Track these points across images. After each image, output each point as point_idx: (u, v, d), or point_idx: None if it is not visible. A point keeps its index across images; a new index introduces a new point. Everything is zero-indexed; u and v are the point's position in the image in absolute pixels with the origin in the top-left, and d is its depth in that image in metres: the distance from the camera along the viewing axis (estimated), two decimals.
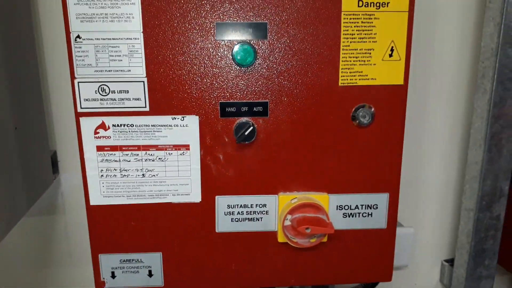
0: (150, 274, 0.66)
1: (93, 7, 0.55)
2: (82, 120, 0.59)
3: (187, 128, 0.61)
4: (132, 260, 0.65)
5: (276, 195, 0.64)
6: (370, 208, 0.66)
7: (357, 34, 0.59)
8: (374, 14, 0.58)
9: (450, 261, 1.02)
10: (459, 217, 0.92)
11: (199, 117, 0.60)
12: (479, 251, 0.91)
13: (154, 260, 0.66)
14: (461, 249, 0.93)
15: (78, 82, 0.58)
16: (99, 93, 0.58)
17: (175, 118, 0.60)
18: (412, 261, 1.01)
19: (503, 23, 0.77)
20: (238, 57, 0.58)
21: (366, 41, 0.59)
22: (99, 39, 0.56)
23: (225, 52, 0.58)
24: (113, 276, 0.66)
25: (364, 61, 0.60)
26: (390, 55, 0.60)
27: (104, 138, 0.60)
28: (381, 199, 0.66)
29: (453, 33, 0.87)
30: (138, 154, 0.61)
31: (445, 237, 1.02)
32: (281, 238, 0.65)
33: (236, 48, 0.58)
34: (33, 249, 0.89)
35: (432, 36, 0.86)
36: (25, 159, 0.68)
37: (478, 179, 0.86)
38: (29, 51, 0.72)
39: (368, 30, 0.59)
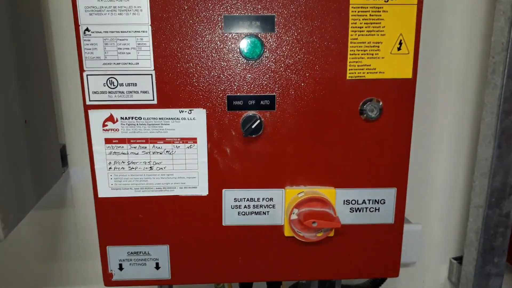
0: (157, 267, 0.67)
1: (101, 0, 0.56)
2: (91, 112, 0.60)
3: (194, 121, 0.61)
4: (140, 252, 0.66)
5: (283, 189, 0.64)
6: (378, 203, 0.66)
7: (365, 27, 0.58)
8: (382, 7, 0.58)
9: (459, 259, 1.01)
10: (468, 214, 0.91)
11: (206, 110, 0.60)
12: (488, 248, 0.90)
13: (161, 252, 0.66)
14: (470, 247, 0.92)
15: (87, 75, 0.58)
16: (108, 85, 0.59)
17: (182, 111, 0.60)
18: (420, 258, 1.01)
19: None
20: (246, 50, 0.58)
21: (375, 34, 0.59)
22: (107, 32, 0.57)
23: (233, 45, 0.58)
24: (120, 268, 0.66)
25: (372, 54, 0.59)
26: (399, 49, 0.59)
27: (112, 131, 0.61)
28: (389, 194, 0.66)
29: (463, 27, 0.86)
30: (146, 147, 0.62)
31: (454, 234, 1.01)
32: (287, 232, 0.65)
33: (244, 41, 0.58)
34: (42, 242, 0.90)
35: (442, 30, 0.85)
36: (35, 153, 0.68)
37: (488, 175, 0.85)
38: (38, 44, 0.72)
39: (377, 23, 0.58)
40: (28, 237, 0.89)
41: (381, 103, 0.61)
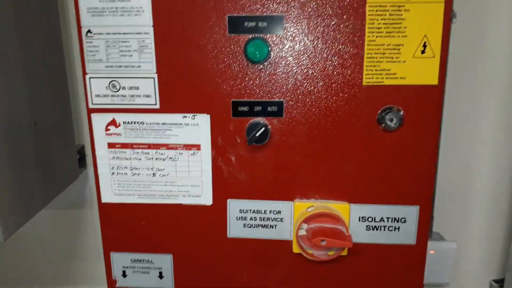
0: (160, 276, 0.64)
1: (103, 1, 0.54)
2: (94, 116, 0.58)
3: (198, 127, 0.58)
4: (143, 260, 0.64)
5: (292, 202, 0.60)
6: (398, 221, 0.60)
7: (384, 27, 0.53)
8: (404, 6, 0.52)
9: (500, 282, 0.91)
10: (511, 234, 0.82)
11: (210, 116, 0.57)
12: None
13: (164, 261, 0.64)
14: None
15: (90, 78, 0.57)
16: (110, 89, 0.57)
17: (185, 117, 0.57)
18: (456, 279, 0.92)
19: None
20: (251, 53, 0.54)
21: (395, 36, 0.53)
22: (109, 33, 0.55)
23: (238, 48, 0.55)
24: (124, 275, 0.65)
25: (392, 58, 0.54)
26: (423, 52, 0.53)
27: (115, 135, 0.59)
28: (410, 212, 0.59)
29: (507, 27, 0.77)
30: (148, 153, 0.59)
31: (495, 254, 0.92)
32: (296, 249, 0.60)
33: (249, 43, 0.54)
34: (62, 242, 0.91)
35: (484, 30, 0.77)
36: (45, 154, 0.68)
37: None
38: (52, 44, 0.72)
39: (397, 23, 0.52)
40: (47, 236, 0.90)
41: (402, 112, 0.55)
